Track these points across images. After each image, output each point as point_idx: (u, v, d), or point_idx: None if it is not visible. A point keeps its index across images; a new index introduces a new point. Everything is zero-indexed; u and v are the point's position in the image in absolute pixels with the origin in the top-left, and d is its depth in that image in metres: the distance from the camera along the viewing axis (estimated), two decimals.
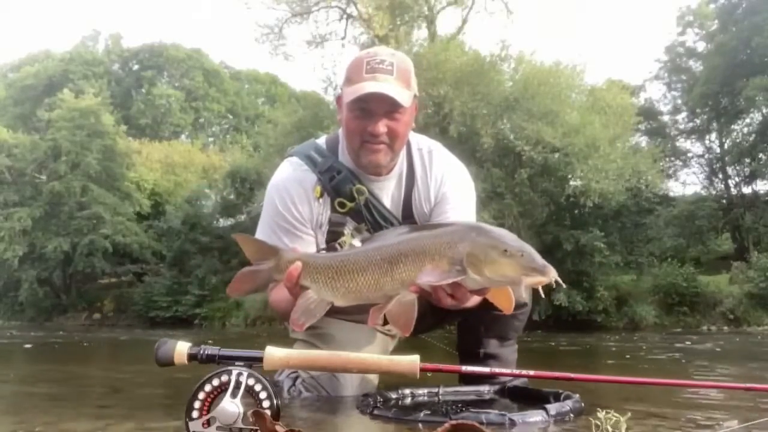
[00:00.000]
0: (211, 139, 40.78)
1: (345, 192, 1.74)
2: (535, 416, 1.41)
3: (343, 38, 20.61)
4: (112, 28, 68.58)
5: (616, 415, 1.13)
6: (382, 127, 1.65)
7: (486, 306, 1.77)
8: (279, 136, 18.61)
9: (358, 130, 1.68)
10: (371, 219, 1.76)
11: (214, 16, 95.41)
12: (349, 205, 1.75)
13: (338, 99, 1.74)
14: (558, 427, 1.39)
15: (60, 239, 24.21)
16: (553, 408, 1.45)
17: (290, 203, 1.75)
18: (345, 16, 20.45)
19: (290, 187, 1.77)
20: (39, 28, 78.87)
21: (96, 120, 25.81)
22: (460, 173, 1.88)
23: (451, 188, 1.84)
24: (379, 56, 1.64)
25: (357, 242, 1.75)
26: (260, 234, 1.78)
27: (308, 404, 1.62)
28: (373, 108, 1.63)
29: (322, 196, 1.75)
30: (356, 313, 1.85)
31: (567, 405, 1.49)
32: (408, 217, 1.81)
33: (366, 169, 1.75)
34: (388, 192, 1.80)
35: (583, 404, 1.52)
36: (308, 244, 1.74)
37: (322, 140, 1.88)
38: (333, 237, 1.77)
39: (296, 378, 1.82)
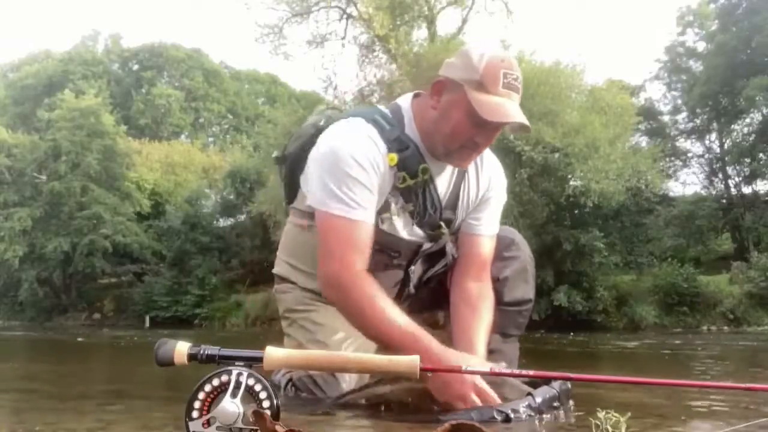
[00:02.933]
0: (211, 139, 40.81)
1: (411, 168, 1.64)
2: (522, 404, 1.40)
3: (343, 38, 20.63)
4: (111, 28, 68.65)
5: (616, 415, 1.13)
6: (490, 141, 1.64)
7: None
8: (279, 136, 18.61)
9: (467, 135, 1.59)
10: (421, 201, 1.69)
11: (214, 16, 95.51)
12: (409, 182, 1.64)
13: (443, 84, 1.60)
14: (558, 427, 1.39)
15: (60, 239, 24.23)
16: (539, 393, 1.43)
17: (368, 164, 1.58)
18: (345, 16, 20.46)
19: (367, 148, 1.60)
20: (39, 28, 78.89)
21: (96, 120, 25.83)
22: (503, 179, 1.87)
23: (495, 195, 1.82)
24: (514, 70, 1.55)
25: (399, 222, 1.69)
26: (325, 198, 1.58)
27: (308, 404, 1.62)
28: (495, 126, 1.57)
29: (395, 165, 1.62)
30: None
31: (554, 387, 1.48)
32: (451, 208, 1.75)
33: (441, 159, 1.67)
34: (444, 179, 1.72)
35: (569, 385, 1.51)
36: (373, 205, 1.61)
37: (382, 107, 1.76)
38: (381, 210, 1.66)
39: (290, 379, 1.78)
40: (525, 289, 1.92)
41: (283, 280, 1.92)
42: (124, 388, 2.27)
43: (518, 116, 1.54)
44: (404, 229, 1.70)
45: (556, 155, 14.85)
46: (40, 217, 24.61)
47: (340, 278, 1.55)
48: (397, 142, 1.62)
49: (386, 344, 1.50)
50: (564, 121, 14.87)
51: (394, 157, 1.60)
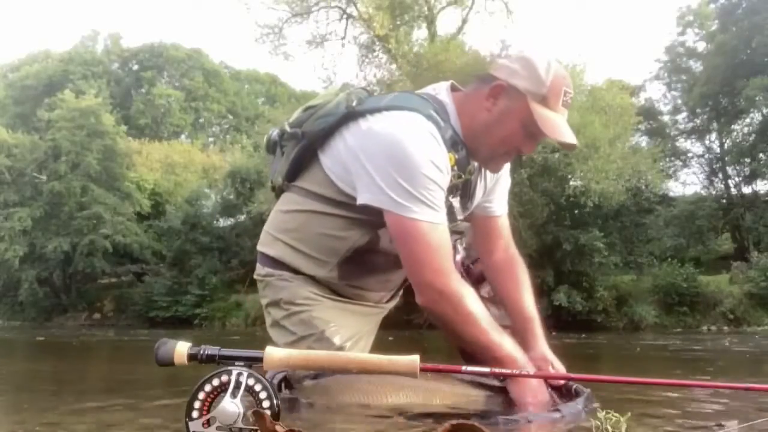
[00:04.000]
0: (211, 139, 40.83)
1: (463, 167, 1.62)
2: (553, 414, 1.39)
3: (343, 38, 20.65)
4: (111, 28, 68.59)
5: (616, 415, 1.13)
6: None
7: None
8: None
9: (514, 144, 1.61)
10: (459, 198, 1.69)
11: (214, 16, 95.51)
12: (456, 181, 1.62)
13: (504, 89, 1.57)
14: (558, 426, 1.39)
15: (60, 239, 24.23)
16: (565, 407, 1.41)
17: (439, 162, 1.52)
18: (345, 16, 20.48)
19: (436, 149, 1.54)
20: (39, 28, 78.88)
21: (96, 120, 25.85)
22: (508, 164, 1.89)
23: (503, 177, 1.85)
24: (571, 88, 1.59)
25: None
26: (402, 200, 1.50)
27: (308, 404, 1.62)
28: (542, 137, 1.58)
29: (454, 165, 1.59)
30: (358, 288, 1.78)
31: (579, 404, 1.44)
32: (470, 197, 1.77)
33: (480, 161, 1.68)
34: (477, 176, 1.74)
35: (595, 403, 1.48)
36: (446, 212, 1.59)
37: (426, 97, 1.67)
38: None
39: (282, 378, 1.73)
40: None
41: (281, 264, 1.75)
42: (124, 388, 2.27)
43: (572, 136, 1.57)
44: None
45: (556, 155, 14.86)
46: (40, 217, 24.61)
47: (443, 288, 1.51)
48: (452, 141, 1.59)
49: (489, 351, 1.51)
50: None
51: (452, 157, 1.58)
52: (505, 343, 1.52)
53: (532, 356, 1.63)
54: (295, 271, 1.72)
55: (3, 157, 25.00)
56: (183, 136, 38.95)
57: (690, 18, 21.80)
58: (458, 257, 1.85)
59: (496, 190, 1.84)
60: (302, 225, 1.72)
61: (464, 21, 20.27)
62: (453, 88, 1.70)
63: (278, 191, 1.86)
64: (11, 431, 1.33)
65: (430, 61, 15.57)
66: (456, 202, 1.68)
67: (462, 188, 1.68)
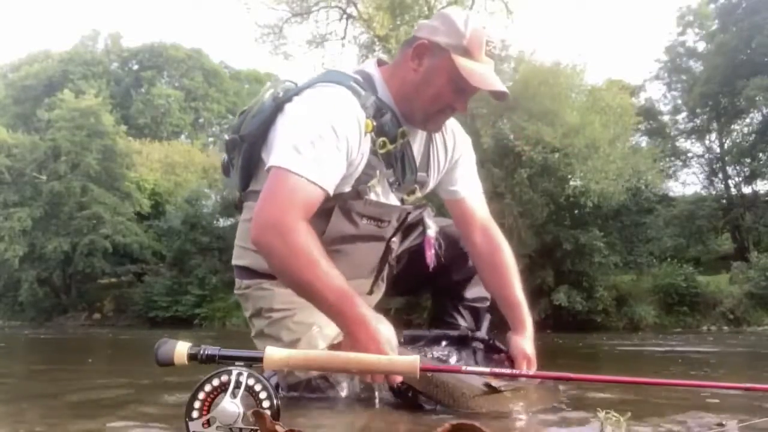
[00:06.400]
0: (211, 139, 40.80)
1: (390, 133, 1.60)
2: None
3: (343, 38, 20.64)
4: (111, 28, 68.59)
5: (616, 415, 1.13)
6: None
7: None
8: None
9: (446, 101, 1.59)
10: (401, 166, 1.68)
11: (214, 16, 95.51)
12: (389, 147, 1.61)
13: (426, 47, 1.57)
14: (558, 426, 1.39)
15: (60, 239, 24.24)
16: None
17: (340, 128, 1.49)
18: (345, 16, 20.47)
19: (343, 113, 1.51)
20: (39, 28, 78.91)
21: (96, 120, 25.85)
22: (466, 136, 1.88)
23: (464, 153, 1.84)
24: (493, 39, 1.57)
25: (379, 188, 1.65)
26: (286, 156, 1.45)
27: (308, 404, 1.61)
28: (472, 91, 1.58)
29: (372, 131, 1.56)
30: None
31: None
32: (424, 170, 1.75)
33: (417, 125, 1.66)
34: (416, 142, 1.72)
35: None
36: (336, 176, 1.51)
37: (348, 72, 1.68)
38: (365, 179, 1.61)
39: (277, 383, 1.69)
40: None
41: (256, 273, 1.75)
42: (124, 389, 2.27)
43: (500, 84, 1.56)
44: (383, 195, 1.68)
45: (556, 155, 14.85)
46: (40, 217, 24.62)
47: (276, 221, 1.40)
48: (373, 108, 1.57)
49: (317, 299, 1.39)
50: (564, 121, 14.88)
51: (370, 123, 1.55)
52: (334, 278, 1.37)
53: (513, 350, 1.64)
54: (271, 276, 1.68)
55: (3, 157, 25.01)
56: (183, 136, 38.94)
57: (690, 18, 21.80)
58: (430, 232, 1.83)
59: (458, 168, 1.83)
60: None
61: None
62: (381, 63, 1.73)
63: (239, 205, 1.86)
64: (11, 431, 1.33)
65: None
66: (383, 170, 1.63)
67: (398, 157, 1.66)
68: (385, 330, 1.36)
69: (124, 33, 66.54)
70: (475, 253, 1.83)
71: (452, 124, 1.83)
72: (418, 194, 1.76)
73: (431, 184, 1.81)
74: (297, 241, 1.38)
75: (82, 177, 25.05)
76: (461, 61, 1.53)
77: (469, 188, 1.85)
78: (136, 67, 39.71)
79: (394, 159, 1.65)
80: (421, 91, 1.60)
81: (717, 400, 1.70)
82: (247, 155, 1.74)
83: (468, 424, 0.90)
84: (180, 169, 30.35)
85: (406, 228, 1.87)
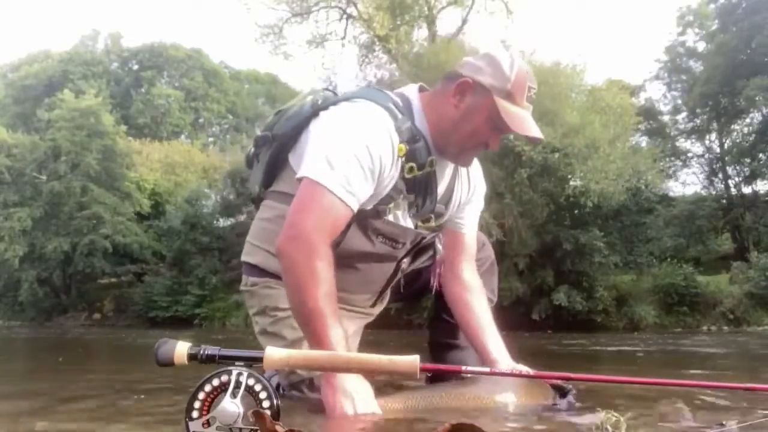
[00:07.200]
0: (211, 139, 40.83)
1: (420, 160, 1.62)
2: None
3: (343, 38, 20.66)
4: (111, 28, 68.56)
5: (616, 415, 1.14)
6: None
7: None
8: None
9: (481, 138, 1.65)
10: (422, 193, 1.69)
11: (214, 16, 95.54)
12: (416, 172, 1.63)
13: (469, 85, 1.60)
14: (558, 426, 1.39)
15: (60, 239, 24.24)
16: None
17: (375, 149, 1.52)
18: (345, 16, 20.48)
19: (379, 134, 1.55)
20: (39, 28, 78.91)
21: (96, 120, 25.84)
22: (484, 185, 1.96)
23: (478, 197, 1.91)
24: (534, 84, 1.62)
25: (398, 212, 1.68)
26: (321, 172, 1.48)
27: (308, 404, 1.61)
28: (508, 132, 1.63)
29: (404, 156, 1.59)
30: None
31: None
32: (444, 203, 1.78)
33: (448, 157, 1.71)
34: (444, 173, 1.75)
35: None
36: (364, 197, 1.55)
37: (390, 93, 1.72)
38: (386, 201, 1.63)
39: (278, 383, 1.70)
40: (492, 282, 2.08)
41: (265, 272, 1.77)
42: (124, 388, 2.27)
43: (537, 131, 1.61)
44: (402, 218, 1.71)
45: (556, 155, 14.84)
46: (40, 217, 24.61)
47: (309, 241, 1.44)
48: (408, 133, 1.61)
49: (307, 331, 1.44)
50: (564, 121, 14.86)
51: (403, 147, 1.59)
52: (333, 327, 1.40)
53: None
54: (279, 277, 1.67)
55: (3, 157, 25.00)
56: (183, 136, 38.95)
57: (690, 18, 21.79)
58: (439, 257, 1.88)
59: (470, 209, 1.89)
60: (280, 229, 1.66)
61: (464, 21, 20.25)
62: (422, 89, 1.76)
63: (257, 201, 1.91)
64: (11, 431, 1.33)
65: (431, 61, 15.55)
66: (411, 197, 1.67)
67: (422, 184, 1.68)
68: (356, 391, 1.40)
69: (124, 33, 66.48)
70: (459, 285, 1.88)
71: (477, 170, 1.90)
72: (432, 224, 1.78)
73: (446, 217, 1.84)
74: (318, 267, 1.43)
75: (82, 177, 25.04)
76: (503, 105, 1.57)
77: (472, 227, 1.92)
78: (136, 67, 39.73)
79: (418, 185, 1.68)
80: (459, 126, 1.64)
81: (717, 400, 1.70)
82: (275, 154, 1.79)
83: (468, 424, 0.90)
84: (180, 169, 30.34)
85: (420, 250, 1.88)
